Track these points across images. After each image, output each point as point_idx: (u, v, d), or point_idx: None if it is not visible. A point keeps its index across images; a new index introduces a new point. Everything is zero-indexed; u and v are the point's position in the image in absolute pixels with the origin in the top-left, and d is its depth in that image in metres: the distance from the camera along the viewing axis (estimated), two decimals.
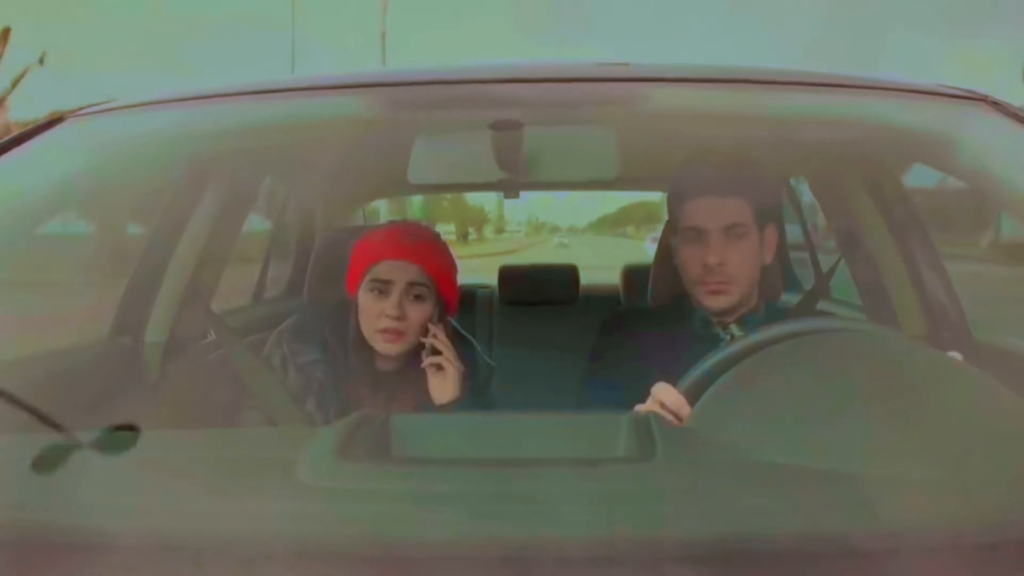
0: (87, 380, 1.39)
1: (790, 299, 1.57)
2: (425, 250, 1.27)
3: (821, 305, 1.57)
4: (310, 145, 1.37)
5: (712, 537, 0.53)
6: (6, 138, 1.03)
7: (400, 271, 1.24)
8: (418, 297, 1.25)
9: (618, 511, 0.55)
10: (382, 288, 1.24)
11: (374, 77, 1.14)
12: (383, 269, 1.24)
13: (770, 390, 0.70)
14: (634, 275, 2.46)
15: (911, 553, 0.52)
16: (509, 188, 2.13)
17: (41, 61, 14.27)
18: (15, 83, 14.05)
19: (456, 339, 1.29)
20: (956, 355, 0.81)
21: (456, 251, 1.37)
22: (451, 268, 1.32)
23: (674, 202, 1.26)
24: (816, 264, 2.34)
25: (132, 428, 1.09)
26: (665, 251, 1.44)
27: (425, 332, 1.25)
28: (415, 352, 1.27)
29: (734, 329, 1.23)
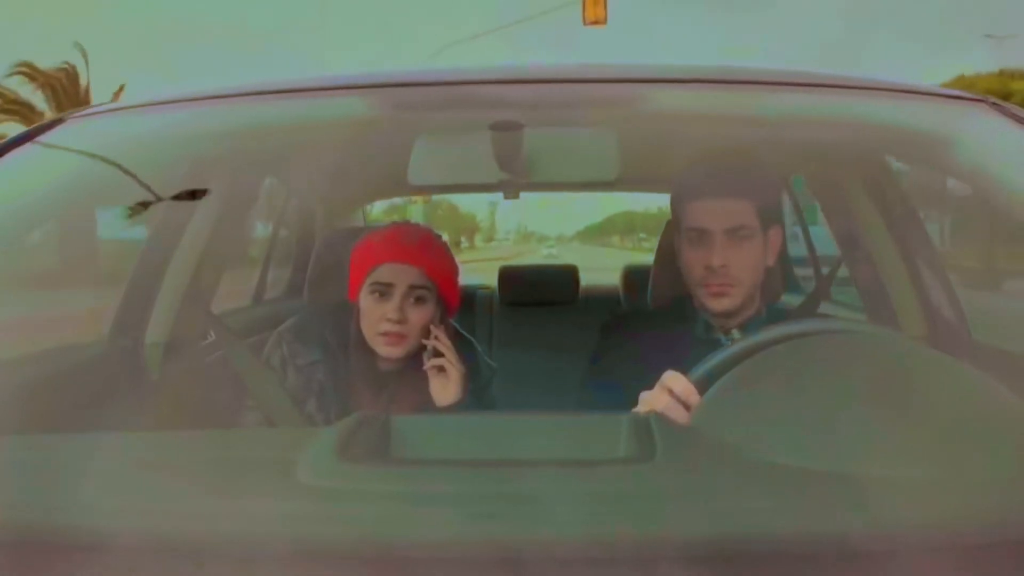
0: (87, 380, 1.39)
1: (791, 300, 1.57)
2: (426, 252, 1.27)
3: (822, 307, 1.57)
4: (310, 146, 1.37)
5: (712, 537, 0.53)
6: (7, 138, 1.03)
7: (401, 274, 1.24)
8: (419, 300, 1.24)
9: (618, 511, 0.55)
10: (383, 291, 1.23)
11: (374, 78, 1.14)
12: (384, 272, 1.24)
13: (770, 391, 0.70)
14: (634, 276, 2.46)
15: (911, 553, 0.52)
16: (509, 189, 2.13)
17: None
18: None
19: (457, 341, 1.29)
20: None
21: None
22: (452, 270, 1.31)
23: (678, 203, 1.26)
24: (816, 265, 2.34)
25: (132, 428, 1.09)
26: (666, 252, 1.44)
27: (427, 334, 1.24)
28: (416, 353, 1.27)
29: (735, 334, 1.23)
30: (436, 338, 1.24)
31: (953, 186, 1.22)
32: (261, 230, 2.54)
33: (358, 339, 1.28)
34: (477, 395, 1.29)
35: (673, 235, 1.31)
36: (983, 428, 0.63)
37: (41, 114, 15.42)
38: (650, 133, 1.28)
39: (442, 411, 1.22)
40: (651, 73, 1.12)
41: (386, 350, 1.24)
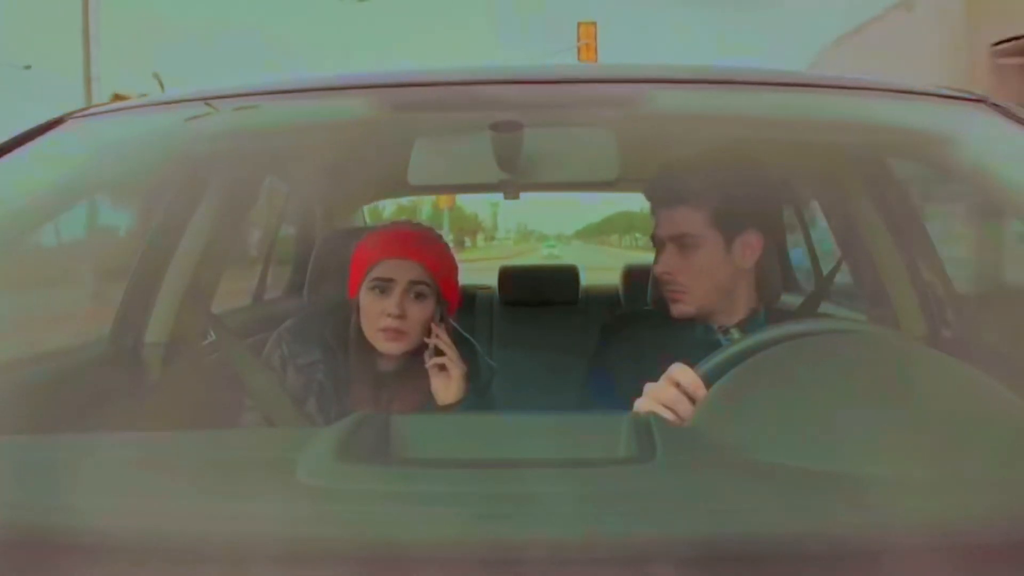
0: (87, 380, 1.39)
1: (791, 301, 1.57)
2: (426, 248, 1.27)
3: (822, 307, 1.57)
4: (310, 146, 1.37)
5: (712, 537, 0.53)
6: (7, 139, 1.03)
7: (401, 269, 1.24)
8: (419, 296, 1.24)
9: (618, 512, 0.55)
10: (383, 287, 1.24)
11: (375, 78, 1.14)
12: (384, 268, 1.24)
13: (770, 391, 0.70)
14: (634, 276, 2.46)
15: (911, 553, 0.52)
16: (509, 189, 2.13)
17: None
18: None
19: (457, 340, 1.29)
20: None
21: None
22: (452, 267, 1.32)
23: (652, 213, 1.31)
24: (816, 265, 2.34)
25: (132, 428, 1.09)
26: None
27: (427, 331, 1.25)
28: (416, 353, 1.27)
29: (735, 334, 1.23)
30: (437, 336, 1.24)
31: (953, 185, 1.22)
32: (261, 230, 2.54)
33: (358, 338, 1.28)
34: (477, 395, 1.29)
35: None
36: (983, 428, 0.63)
37: None
38: (650, 133, 1.28)
39: (443, 410, 1.22)
40: (651, 74, 1.12)
41: (386, 346, 1.24)
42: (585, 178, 1.75)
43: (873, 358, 0.74)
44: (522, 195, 2.36)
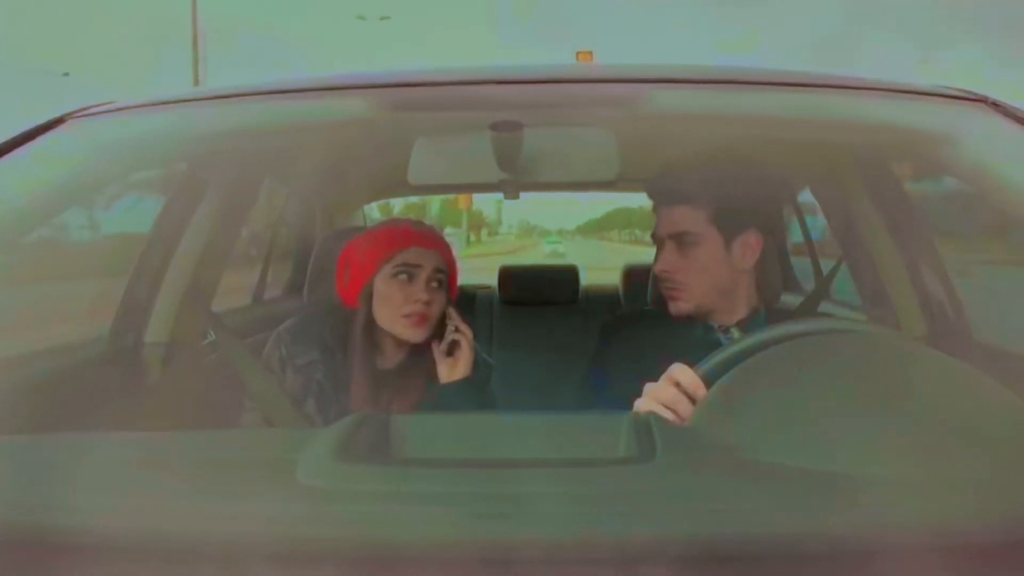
0: (87, 380, 1.39)
1: (791, 300, 1.57)
2: (440, 240, 1.33)
3: (822, 306, 1.57)
4: (310, 146, 1.37)
5: (712, 537, 0.53)
6: (7, 138, 1.03)
7: (428, 257, 1.28)
8: (440, 283, 1.29)
9: (618, 512, 0.55)
10: (411, 273, 1.27)
11: (374, 78, 1.13)
12: (412, 255, 1.27)
13: (770, 391, 0.70)
14: (634, 276, 2.46)
15: (910, 553, 0.52)
16: (509, 189, 2.13)
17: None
18: None
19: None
20: None
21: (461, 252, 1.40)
22: (455, 260, 1.36)
23: (653, 211, 1.31)
24: (816, 265, 2.34)
25: (132, 428, 1.09)
26: None
27: (442, 319, 1.29)
28: (416, 349, 1.28)
29: (735, 333, 1.23)
30: (451, 318, 1.29)
31: (953, 185, 1.22)
32: (261, 230, 2.54)
33: (363, 334, 1.28)
34: (476, 390, 1.29)
35: None
36: (983, 428, 0.63)
37: None
38: (650, 133, 1.28)
39: (445, 388, 1.24)
40: (651, 73, 1.12)
41: (410, 331, 1.26)
42: (585, 178, 1.75)
43: (873, 358, 0.74)
44: (524, 194, 2.36)
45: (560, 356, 1.80)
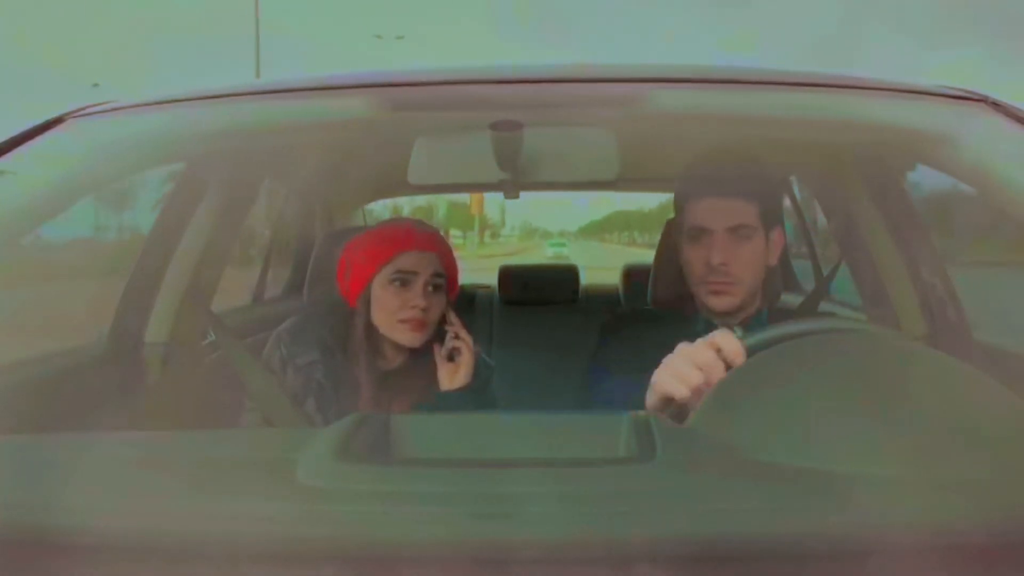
0: (87, 380, 1.39)
1: (791, 300, 1.57)
2: (439, 243, 1.31)
3: (822, 306, 1.57)
4: (310, 145, 1.37)
5: (712, 537, 0.53)
6: (7, 138, 1.03)
7: (425, 262, 1.27)
8: (437, 288, 1.28)
9: (618, 511, 0.55)
10: (407, 279, 1.26)
11: (374, 77, 1.13)
12: (407, 261, 1.26)
13: (771, 390, 0.70)
14: (634, 275, 2.46)
15: (910, 553, 0.52)
16: (509, 189, 2.13)
17: None
18: None
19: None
20: None
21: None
22: (455, 260, 1.35)
23: (680, 201, 1.27)
24: (816, 265, 2.34)
25: (132, 428, 1.09)
26: (666, 251, 1.44)
27: (441, 323, 1.28)
28: (417, 351, 1.28)
29: (738, 332, 1.23)
30: (451, 324, 1.28)
31: (953, 185, 1.22)
32: (261, 230, 2.54)
33: (364, 336, 1.28)
34: (477, 392, 1.29)
35: (674, 234, 1.31)
36: (983, 428, 0.63)
37: None
38: (650, 133, 1.28)
39: (445, 396, 1.23)
40: (651, 73, 1.12)
41: (408, 336, 1.26)
42: (585, 177, 1.75)
43: (873, 358, 0.74)
44: (525, 196, 2.36)
45: (560, 356, 1.80)
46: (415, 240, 1.28)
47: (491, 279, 2.78)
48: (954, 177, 1.18)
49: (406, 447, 0.64)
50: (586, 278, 2.74)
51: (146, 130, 1.14)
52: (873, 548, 0.52)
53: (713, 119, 1.13)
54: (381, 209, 3.02)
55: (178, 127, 1.15)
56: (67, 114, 1.10)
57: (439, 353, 1.27)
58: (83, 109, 1.13)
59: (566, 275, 2.65)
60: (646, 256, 1.38)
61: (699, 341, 0.84)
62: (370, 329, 1.28)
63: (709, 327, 1.25)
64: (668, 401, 0.85)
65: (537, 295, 2.59)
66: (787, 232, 2.26)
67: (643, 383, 0.88)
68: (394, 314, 1.25)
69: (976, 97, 1.06)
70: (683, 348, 0.85)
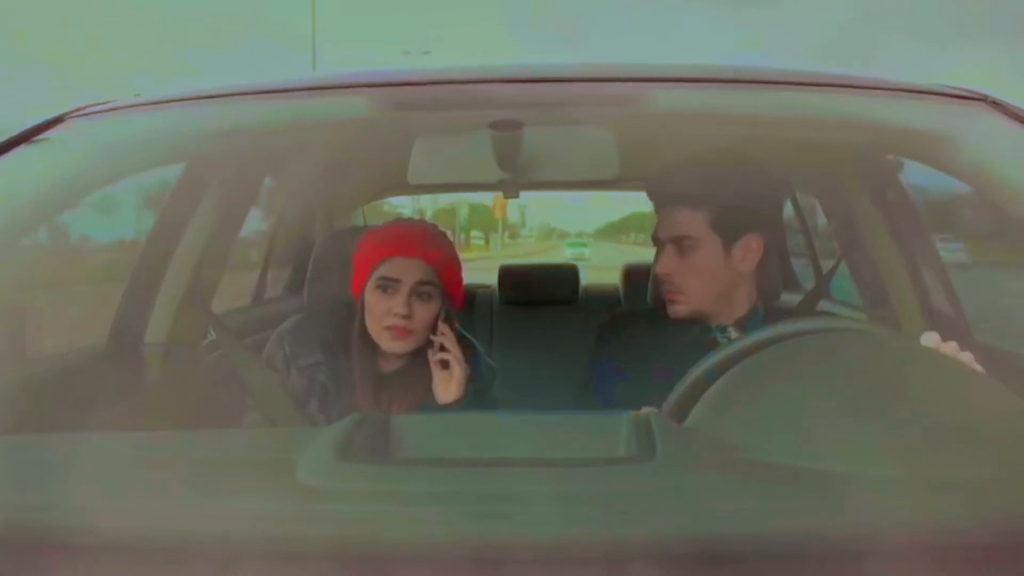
0: (87, 381, 1.39)
1: (791, 300, 1.57)
2: (432, 248, 1.27)
3: (821, 305, 1.57)
4: (310, 145, 1.37)
5: (712, 537, 0.53)
6: (6, 138, 1.03)
7: (408, 270, 1.24)
8: (426, 296, 1.24)
9: (618, 511, 0.55)
10: (389, 286, 1.23)
11: (375, 77, 1.13)
12: (390, 267, 1.24)
13: (770, 390, 0.70)
14: (635, 275, 2.45)
15: (910, 553, 0.52)
16: (509, 188, 2.13)
17: None
18: None
19: (459, 341, 1.29)
20: (967, 353, 0.81)
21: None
22: (457, 266, 1.32)
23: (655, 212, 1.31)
24: (816, 265, 2.34)
25: (132, 428, 1.09)
26: None
27: (432, 331, 1.25)
28: (418, 353, 1.27)
29: (732, 332, 1.23)
30: (443, 335, 1.24)
31: (952, 184, 1.22)
32: (261, 229, 2.54)
33: (362, 337, 1.27)
34: (478, 396, 1.29)
35: None
36: (983, 428, 0.63)
37: None
38: (650, 132, 1.28)
39: (443, 409, 1.22)
40: (652, 72, 1.12)
41: (392, 344, 1.24)
42: (585, 176, 1.75)
43: (873, 358, 0.74)
44: (543, 198, 2.35)
45: (560, 356, 1.80)
46: (402, 246, 1.25)
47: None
48: (954, 176, 1.18)
49: (406, 447, 0.64)
50: (605, 275, 2.74)
51: (146, 129, 1.14)
52: (872, 548, 0.52)
53: (713, 118, 1.13)
54: (398, 211, 3.01)
55: (178, 127, 1.15)
56: (67, 114, 1.10)
57: (433, 363, 1.25)
58: (83, 109, 1.13)
59: (566, 275, 2.65)
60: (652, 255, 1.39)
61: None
62: (366, 331, 1.28)
63: (706, 329, 1.26)
64: None
65: (537, 295, 2.59)
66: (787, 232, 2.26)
67: (643, 383, 0.88)
68: (380, 320, 1.24)
69: (976, 96, 1.06)
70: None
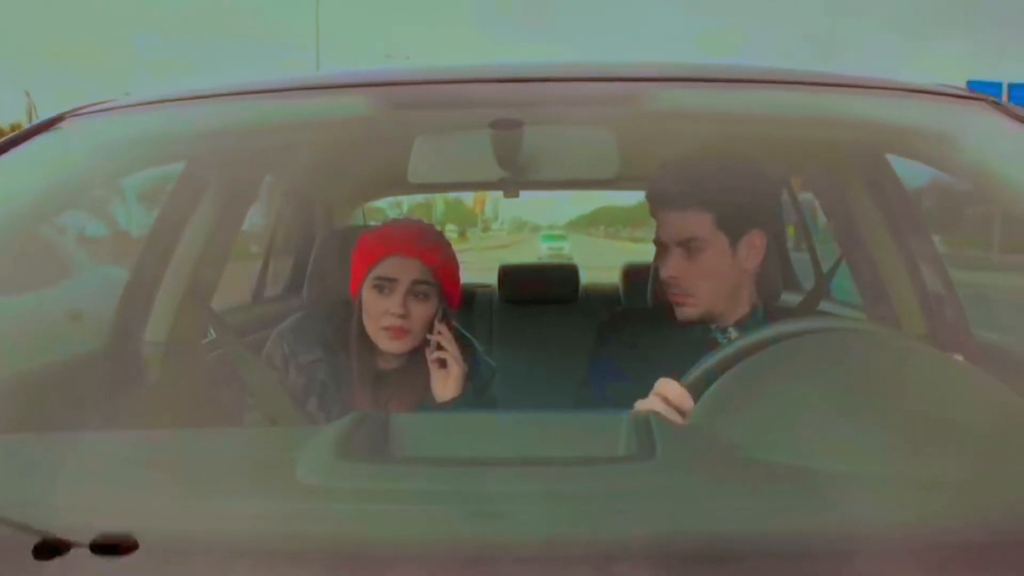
0: (87, 380, 1.38)
1: (791, 300, 1.56)
2: (429, 248, 1.27)
3: (822, 305, 1.57)
4: (310, 145, 1.37)
5: (712, 537, 0.53)
6: (6, 137, 1.03)
7: (404, 269, 1.24)
8: (422, 295, 1.24)
9: (618, 510, 0.55)
10: (386, 286, 1.23)
11: (374, 76, 1.13)
12: (387, 266, 1.24)
13: (770, 390, 0.70)
14: (634, 275, 2.46)
15: (911, 552, 0.52)
16: (509, 187, 2.13)
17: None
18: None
19: (458, 339, 1.29)
20: (958, 357, 0.81)
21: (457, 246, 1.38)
22: (454, 265, 1.31)
23: (653, 214, 1.29)
24: (816, 264, 2.33)
25: (132, 427, 1.09)
26: None
27: (429, 330, 1.25)
28: (416, 351, 1.27)
29: (732, 332, 1.23)
30: (439, 333, 1.24)
31: (952, 184, 1.22)
32: (261, 228, 2.54)
33: (360, 336, 1.27)
34: (477, 394, 1.29)
35: None
36: (983, 427, 0.63)
37: None
38: (649, 131, 1.28)
39: (441, 407, 1.22)
40: (651, 71, 1.12)
41: (388, 344, 1.24)
42: (584, 176, 1.75)
43: (872, 357, 0.74)
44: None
45: (560, 355, 1.80)
46: (398, 245, 1.25)
47: (484, 267, 2.79)
48: (955, 177, 1.18)
49: (406, 446, 0.64)
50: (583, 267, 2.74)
51: (145, 128, 1.14)
52: (872, 547, 0.52)
53: (712, 118, 1.13)
54: (382, 206, 3.02)
55: (178, 126, 1.15)
56: (66, 113, 1.10)
57: (431, 361, 1.25)
58: (82, 108, 1.13)
59: (566, 274, 2.65)
60: (625, 246, 1.37)
61: (650, 396, 0.84)
62: (364, 331, 1.28)
63: (707, 329, 1.26)
64: None
65: (537, 294, 2.60)
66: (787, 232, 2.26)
67: (643, 383, 0.88)
68: (376, 320, 1.24)
69: (976, 96, 1.06)
70: (637, 405, 0.85)
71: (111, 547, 0.53)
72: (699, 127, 1.18)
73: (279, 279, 2.55)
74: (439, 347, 1.24)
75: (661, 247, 1.25)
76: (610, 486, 0.58)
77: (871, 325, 1.26)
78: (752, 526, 0.54)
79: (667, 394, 0.82)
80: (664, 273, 1.23)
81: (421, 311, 1.24)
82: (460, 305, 1.33)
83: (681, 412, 0.80)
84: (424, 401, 1.25)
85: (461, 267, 1.34)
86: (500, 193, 2.27)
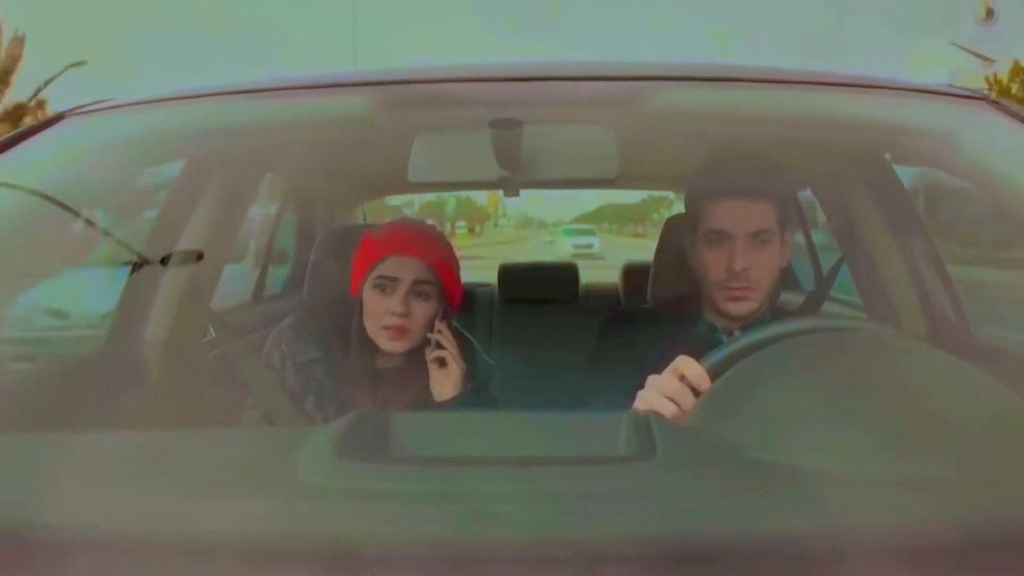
0: (87, 380, 1.39)
1: (791, 300, 1.57)
2: (430, 247, 1.27)
3: (823, 305, 1.57)
4: (310, 144, 1.37)
5: (712, 537, 0.53)
6: (7, 136, 1.03)
7: (406, 268, 1.24)
8: (423, 295, 1.25)
9: (617, 510, 0.55)
10: (387, 285, 1.24)
11: (374, 76, 1.13)
12: (389, 266, 1.24)
13: (770, 389, 0.70)
14: (635, 274, 2.46)
15: (911, 553, 0.52)
16: (509, 186, 2.13)
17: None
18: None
19: (457, 340, 1.29)
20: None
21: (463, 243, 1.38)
22: (454, 265, 1.32)
23: (695, 203, 1.24)
24: (817, 264, 2.33)
25: (132, 427, 1.09)
26: (667, 250, 1.43)
27: (430, 329, 1.25)
28: (416, 350, 1.27)
29: (737, 333, 1.23)
30: (439, 332, 1.24)
31: (952, 183, 1.22)
32: (261, 228, 2.54)
33: (359, 335, 1.27)
34: (476, 393, 1.29)
35: (685, 234, 1.29)
36: (984, 427, 0.63)
37: None
38: (650, 131, 1.28)
39: (440, 406, 1.22)
40: (651, 71, 1.12)
41: (389, 344, 1.24)
42: (585, 175, 1.75)
43: (873, 357, 0.74)
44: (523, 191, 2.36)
45: (560, 354, 1.80)
46: (400, 245, 1.25)
47: (492, 261, 2.79)
48: (955, 176, 1.18)
49: (406, 445, 0.64)
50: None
51: (146, 127, 1.14)
52: (873, 547, 0.52)
53: (714, 117, 1.13)
54: (397, 203, 3.02)
55: (178, 125, 1.15)
56: (67, 112, 1.10)
57: (430, 360, 1.25)
58: (83, 107, 1.13)
59: (566, 274, 2.65)
60: (630, 241, 1.37)
61: (665, 371, 0.84)
62: (364, 330, 1.28)
63: (710, 328, 1.25)
64: None
65: (537, 293, 2.60)
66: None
67: (643, 382, 0.88)
68: (377, 320, 1.24)
69: (976, 95, 1.06)
70: (652, 380, 0.85)
71: (111, 547, 0.53)
72: (699, 127, 1.18)
73: (279, 278, 2.55)
74: (439, 346, 1.24)
75: (719, 238, 1.19)
76: (610, 486, 0.58)
77: (872, 325, 1.26)
78: (752, 526, 0.54)
79: (686, 372, 0.81)
80: (737, 264, 1.17)
81: (422, 310, 1.24)
82: (460, 304, 1.33)
83: (696, 393, 0.79)
84: (423, 400, 1.25)
85: (472, 259, 1.34)
86: (505, 195, 2.28)
